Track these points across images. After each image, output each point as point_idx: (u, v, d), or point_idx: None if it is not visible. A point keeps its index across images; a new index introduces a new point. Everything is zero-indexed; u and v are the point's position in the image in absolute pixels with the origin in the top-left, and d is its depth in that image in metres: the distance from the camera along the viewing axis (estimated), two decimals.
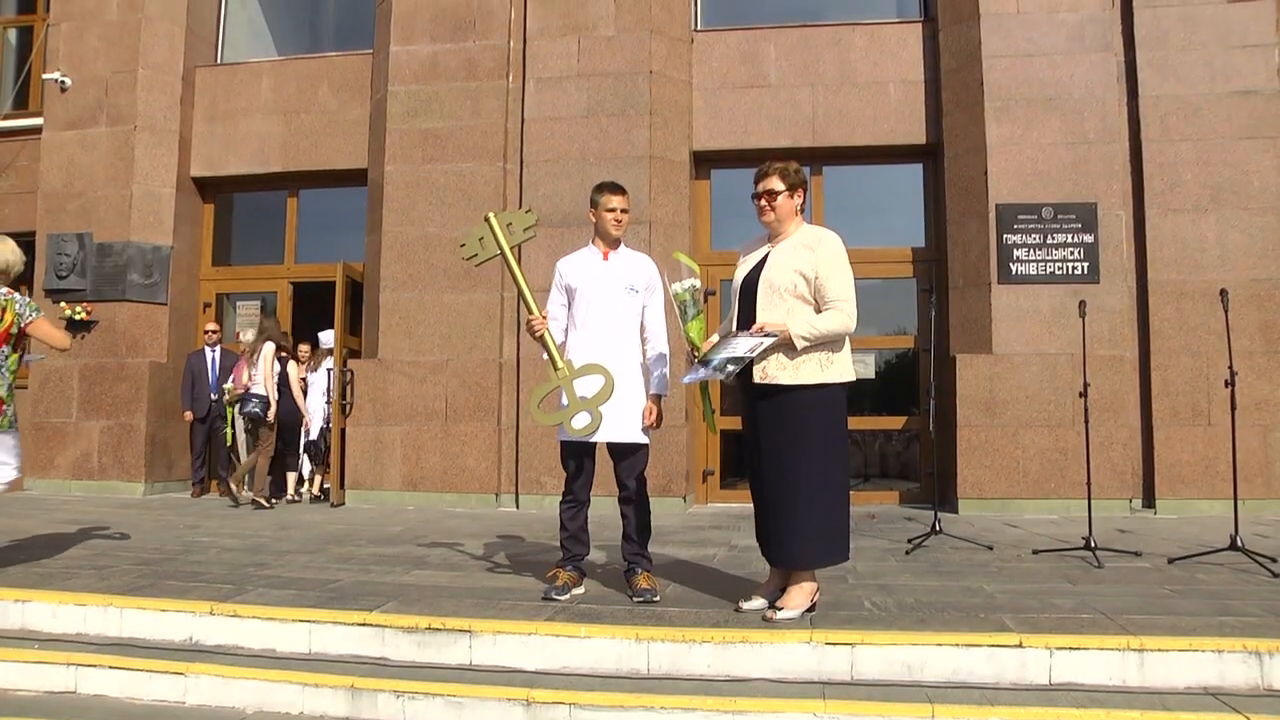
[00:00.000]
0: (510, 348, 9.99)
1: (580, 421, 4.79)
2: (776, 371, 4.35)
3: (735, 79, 10.43)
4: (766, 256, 4.52)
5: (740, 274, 4.62)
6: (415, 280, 10.21)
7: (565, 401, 4.87)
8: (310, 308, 11.97)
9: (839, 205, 10.39)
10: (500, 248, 5.00)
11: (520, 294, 4.96)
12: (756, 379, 4.37)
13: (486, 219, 5.00)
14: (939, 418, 9.06)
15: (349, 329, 10.45)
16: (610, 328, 5.02)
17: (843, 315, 4.29)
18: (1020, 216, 9.29)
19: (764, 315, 4.39)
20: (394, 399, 10.03)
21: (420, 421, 9.96)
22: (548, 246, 9.35)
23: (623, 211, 5.09)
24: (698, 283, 4.69)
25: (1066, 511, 8.80)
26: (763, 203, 4.53)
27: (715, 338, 4.57)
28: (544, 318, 4.89)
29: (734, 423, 9.48)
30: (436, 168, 10.30)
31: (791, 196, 4.52)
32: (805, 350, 4.32)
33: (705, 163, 10.61)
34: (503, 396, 9.92)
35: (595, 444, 4.94)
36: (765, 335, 4.30)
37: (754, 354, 4.25)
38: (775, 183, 4.51)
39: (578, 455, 4.98)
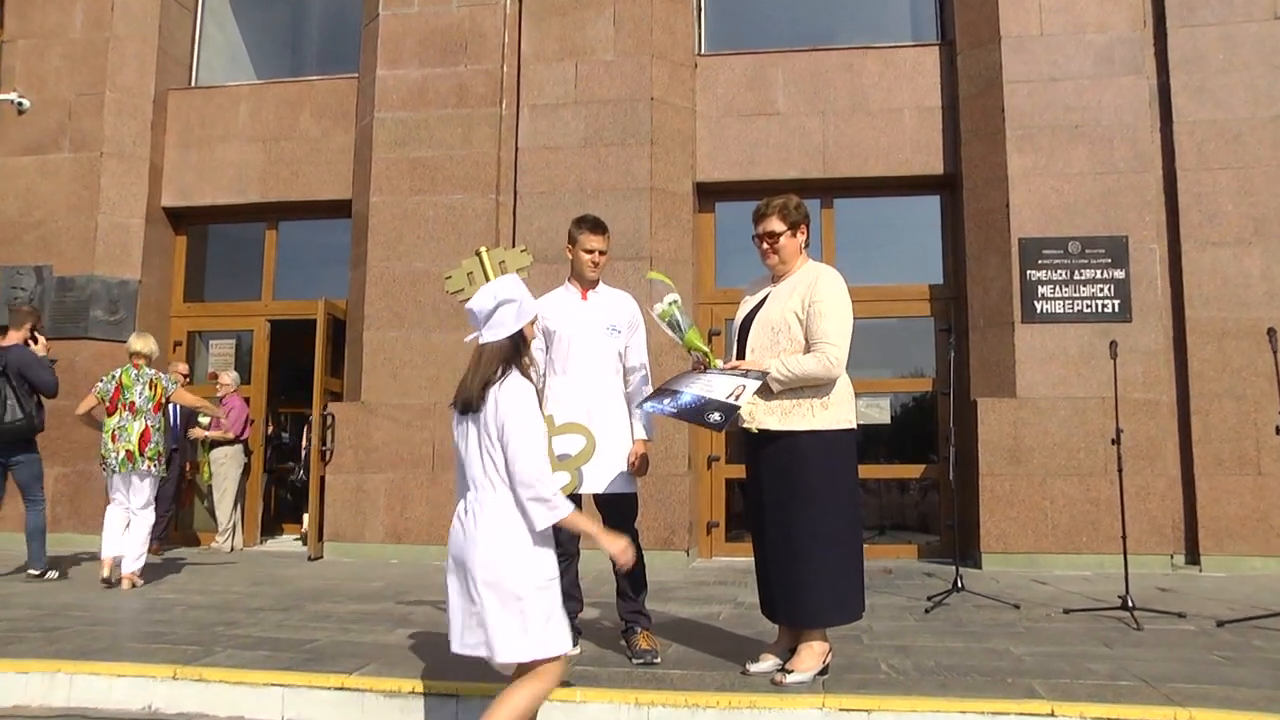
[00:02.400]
0: None
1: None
2: (765, 417, 4.36)
3: (741, 106, 10.48)
4: (767, 296, 4.55)
5: (741, 314, 4.65)
6: (402, 318, 10.21)
7: None
8: (289, 346, 11.90)
9: (851, 240, 10.39)
10: None
11: None
12: (744, 423, 4.37)
13: (478, 253, 4.98)
14: (960, 466, 9.02)
15: (330, 370, 10.42)
16: (592, 371, 5.03)
17: (824, 359, 4.27)
18: (1045, 251, 9.29)
19: (754, 356, 4.42)
20: (378, 445, 9.99)
21: (406, 469, 9.92)
22: (541, 285, 8.35)
23: (601, 254, 5.10)
24: (676, 296, 4.62)
25: (1100, 568, 8.72)
26: (764, 245, 4.56)
27: (689, 371, 4.52)
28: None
29: (738, 470, 9.80)
30: (425, 199, 10.36)
31: (794, 235, 4.54)
32: (790, 395, 4.32)
33: (709, 195, 10.65)
34: None
35: (581, 495, 4.90)
36: (744, 375, 4.28)
37: (737, 400, 4.18)
38: (775, 223, 4.53)
39: None
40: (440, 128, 10.44)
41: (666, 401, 4.32)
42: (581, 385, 4.99)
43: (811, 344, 4.33)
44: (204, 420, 10.65)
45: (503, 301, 3.47)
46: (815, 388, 4.35)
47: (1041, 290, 9.25)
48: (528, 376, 3.48)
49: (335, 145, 11.25)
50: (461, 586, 3.35)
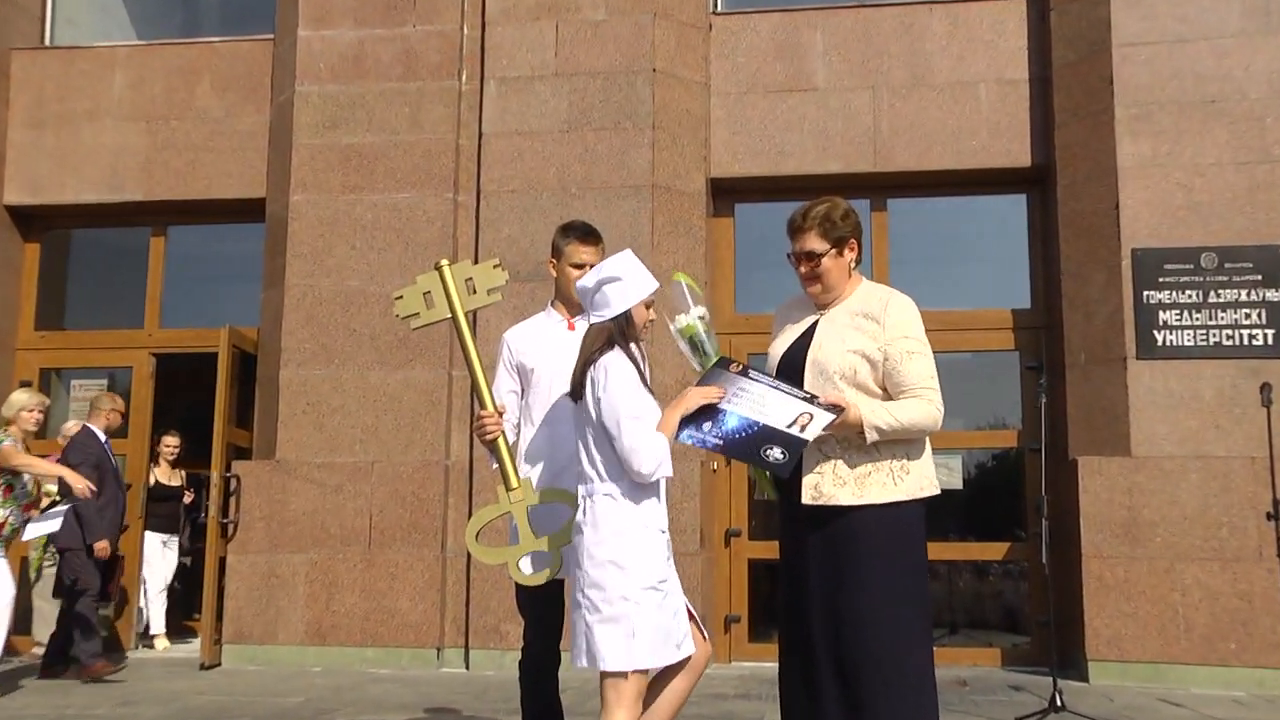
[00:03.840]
0: (461, 445, 9.82)
1: (532, 566, 4.76)
2: (834, 489, 4.29)
3: (768, 79, 10.34)
4: (814, 327, 4.50)
5: (779, 348, 4.59)
6: (330, 352, 10.01)
7: (517, 535, 4.80)
8: (180, 389, 11.65)
9: (909, 252, 10.36)
10: (453, 311, 4.95)
11: (473, 378, 4.87)
12: (806, 499, 4.31)
13: (438, 268, 4.99)
14: (1056, 545, 8.63)
15: (235, 419, 10.33)
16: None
17: (928, 405, 4.27)
18: (1168, 266, 9.10)
19: None
20: (296, 516, 9.80)
21: (333, 547, 9.74)
22: (512, 309, 9.05)
23: (593, 268, 5.01)
24: (705, 310, 4.58)
25: (1259, 686, 8.50)
26: (802, 268, 4.51)
27: (717, 363, 4.50)
28: (500, 415, 4.85)
29: (765, 549, 9.77)
30: (362, 199, 10.19)
31: (840, 254, 4.47)
32: (866, 455, 4.29)
33: (726, 194, 10.55)
34: (449, 512, 9.71)
35: (562, 580, 4.85)
36: (808, 399, 4.25)
37: (802, 432, 4.15)
38: (813, 241, 4.46)
39: (537, 598, 4.89)
40: (381, 106, 10.30)
41: (708, 427, 4.29)
42: (564, 439, 4.82)
43: (901, 391, 4.28)
44: (50, 488, 10.07)
45: (606, 280, 4.12)
46: (902, 446, 4.30)
47: (1164, 316, 9.07)
48: (632, 357, 4.13)
49: (243, 127, 11.06)
50: (573, 590, 4.12)
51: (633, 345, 4.13)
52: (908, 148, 10.09)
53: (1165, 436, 8.94)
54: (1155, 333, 9.06)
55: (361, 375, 9.96)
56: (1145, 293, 9.09)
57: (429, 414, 9.82)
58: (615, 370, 4.05)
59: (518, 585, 4.88)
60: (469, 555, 9.40)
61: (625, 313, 4.09)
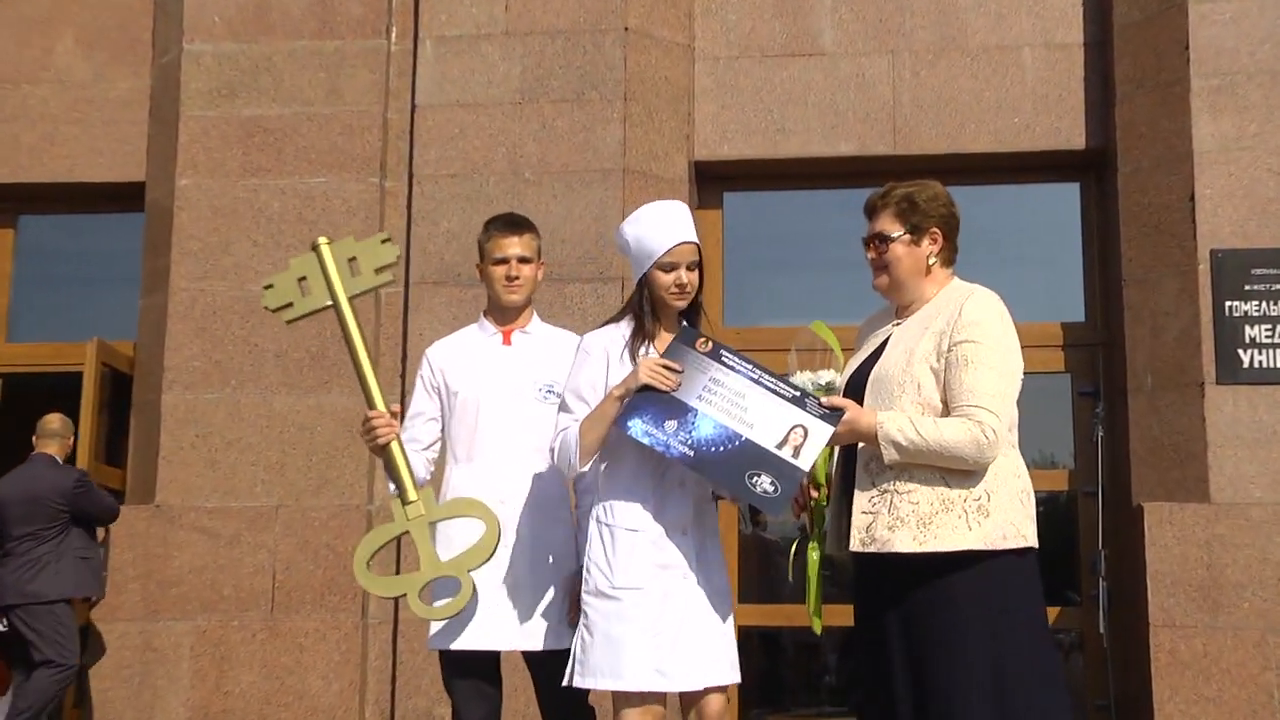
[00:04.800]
0: (387, 483, 9.37)
1: (439, 596, 4.90)
2: (888, 532, 4.30)
3: (765, 41, 10.10)
4: (888, 340, 4.59)
5: (850, 368, 4.71)
6: (226, 371, 9.66)
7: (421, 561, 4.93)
8: (34, 417, 11.00)
9: None
10: (333, 297, 5.05)
11: (359, 375, 5.02)
12: (854, 543, 4.36)
13: (315, 248, 5.10)
14: (1116, 611, 8.85)
15: (103, 454, 10.19)
16: (512, 457, 5.14)
17: (975, 429, 4.22)
18: (1256, 271, 8.86)
19: None
20: (181, 574, 9.39)
21: (226, 613, 9.37)
22: (450, 317, 9.14)
23: (522, 262, 5.21)
24: (836, 377, 4.61)
25: None
26: (870, 254, 4.65)
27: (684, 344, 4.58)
28: (393, 416, 4.97)
29: (760, 615, 9.68)
30: (267, 184, 9.88)
31: (917, 243, 4.58)
32: (940, 485, 4.29)
33: (714, 181, 10.36)
34: (373, 568, 9.26)
35: (498, 652, 5.05)
36: (811, 406, 4.33)
37: (796, 456, 4.27)
38: (886, 222, 4.60)
39: (468, 671, 5.01)
40: (292, 70, 10.00)
41: (672, 428, 4.32)
42: (497, 476, 5.07)
43: (954, 406, 4.30)
44: None
45: (623, 243, 4.56)
46: (977, 478, 4.28)
47: (1250, 332, 8.84)
48: (644, 333, 4.44)
49: (116, 95, 10.69)
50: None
51: (647, 320, 4.36)
52: (934, 126, 9.87)
53: (1253, 479, 8.70)
54: (1239, 351, 8.85)
55: (265, 400, 9.66)
56: (1227, 303, 8.86)
57: (348, 448, 9.44)
58: (580, 349, 4.52)
59: (444, 658, 5.02)
60: (397, 619, 9.29)
61: (643, 278, 4.35)
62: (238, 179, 9.88)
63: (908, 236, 4.55)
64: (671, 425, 4.29)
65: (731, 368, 4.38)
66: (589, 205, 9.44)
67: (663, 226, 4.54)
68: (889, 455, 4.24)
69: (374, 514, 9.49)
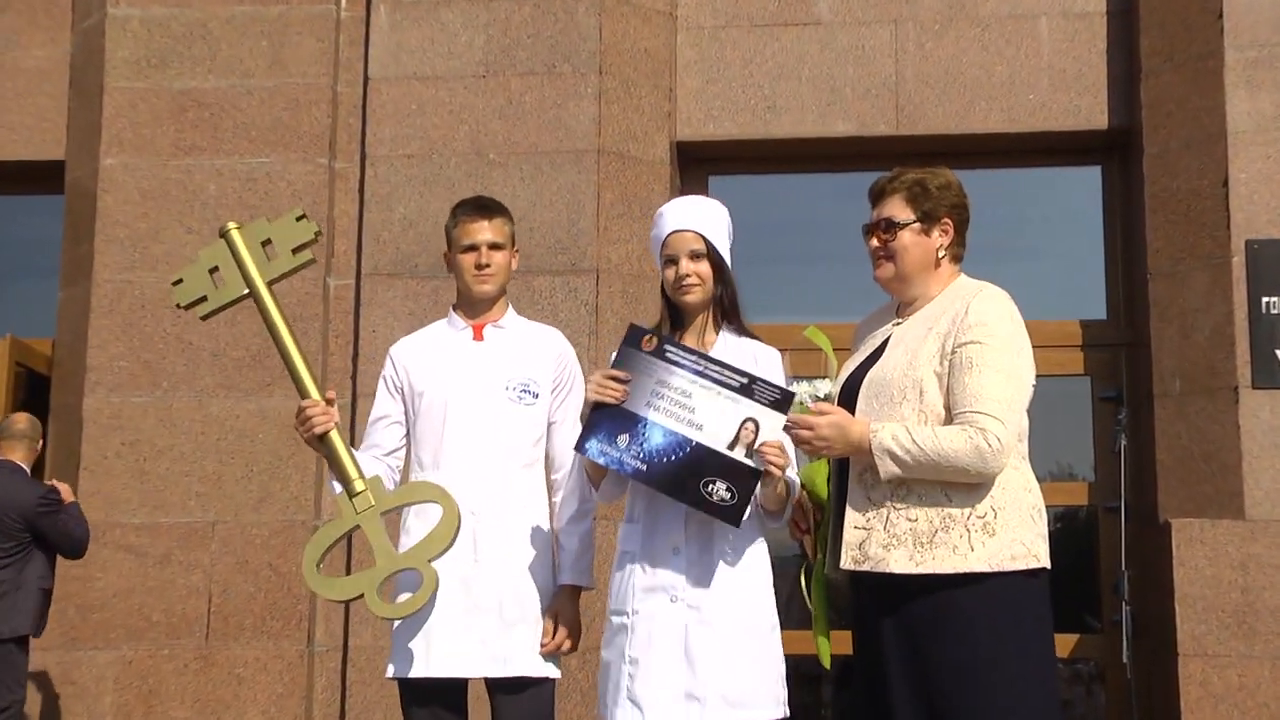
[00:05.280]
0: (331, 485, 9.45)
1: (398, 594, 4.94)
2: (882, 550, 4.32)
3: (755, 9, 10.08)
4: (888, 341, 4.63)
5: (845, 372, 4.75)
6: (156, 372, 9.57)
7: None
8: None
9: None
10: (249, 284, 5.05)
11: (286, 362, 5.02)
12: (846, 561, 4.39)
13: (223, 234, 5.12)
14: (1142, 638, 8.74)
15: None
16: (483, 463, 5.12)
17: (977, 437, 4.22)
18: None
19: None
20: (104, 598, 9.31)
21: (156, 640, 9.27)
22: (406, 312, 9.25)
23: (493, 249, 5.23)
24: (831, 386, 4.56)
25: None
26: (873, 241, 4.67)
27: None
28: (328, 404, 4.93)
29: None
30: (202, 164, 9.79)
31: (927, 232, 4.61)
32: (925, 502, 4.31)
33: (698, 164, 10.38)
34: (322, 571, 9.27)
35: (464, 681, 5.07)
36: (760, 392, 4.40)
37: (748, 456, 4.33)
38: (895, 207, 4.63)
39: (430, 700, 5.02)
40: (230, 38, 9.89)
41: (623, 442, 4.37)
42: (464, 488, 4.99)
43: (956, 413, 4.29)
44: None
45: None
46: (983, 492, 4.29)
47: None
48: (657, 334, 4.46)
49: (31, 64, 10.65)
50: None
51: (664, 323, 4.63)
52: (941, 103, 9.86)
53: None
54: (1278, 352, 8.85)
55: (200, 404, 9.54)
56: (1264, 299, 8.83)
57: (293, 457, 9.38)
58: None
59: (403, 687, 5.03)
60: (347, 646, 9.25)
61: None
62: (169, 158, 9.80)
63: (918, 224, 4.56)
64: (624, 439, 4.36)
65: (676, 363, 4.42)
66: (560, 190, 9.39)
67: (664, 217, 4.71)
68: (885, 469, 4.22)
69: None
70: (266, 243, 5.11)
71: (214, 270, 5.12)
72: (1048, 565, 4.37)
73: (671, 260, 4.63)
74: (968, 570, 4.22)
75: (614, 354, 4.86)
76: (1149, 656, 8.84)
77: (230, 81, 9.84)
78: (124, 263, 9.65)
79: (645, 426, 4.37)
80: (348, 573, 8.85)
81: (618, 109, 9.63)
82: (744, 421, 4.33)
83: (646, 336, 4.51)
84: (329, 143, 9.76)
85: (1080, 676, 10.07)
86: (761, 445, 4.31)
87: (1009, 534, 4.28)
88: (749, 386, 4.35)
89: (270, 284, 5.07)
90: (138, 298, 9.61)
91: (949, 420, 4.35)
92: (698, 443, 4.32)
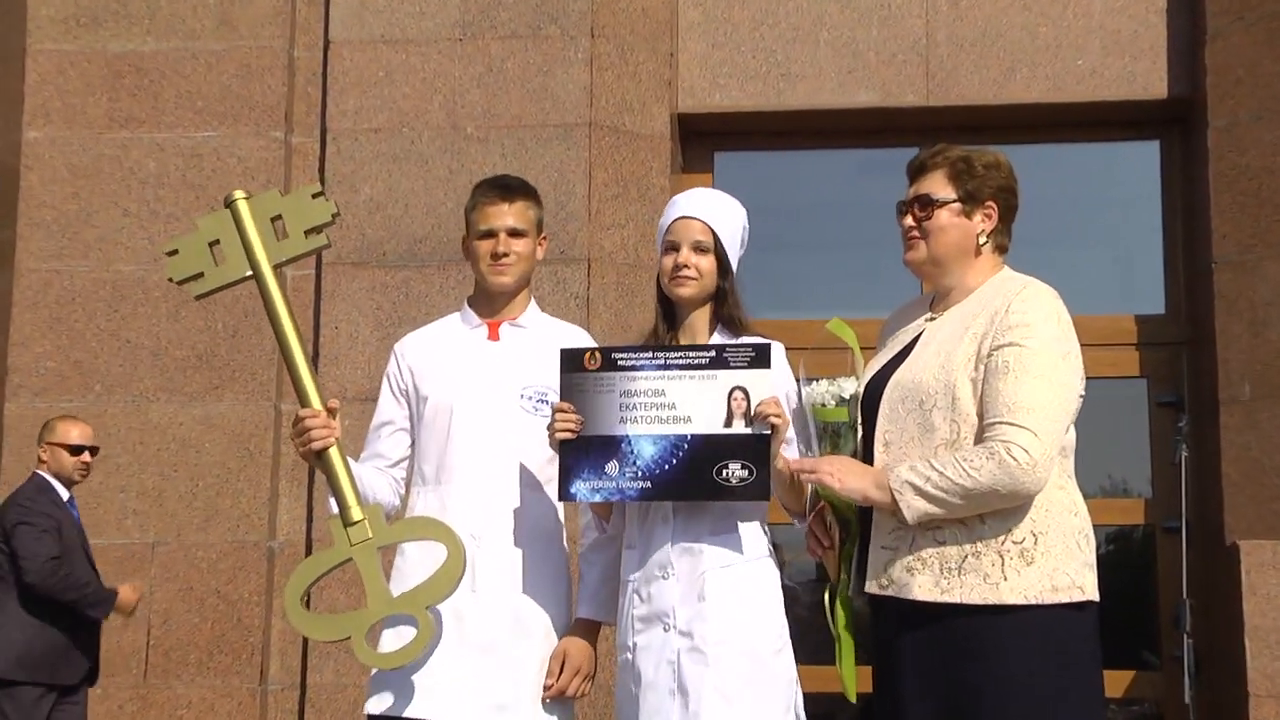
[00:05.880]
0: (294, 516, 9.63)
1: (390, 640, 4.86)
2: (906, 575, 4.35)
3: None
4: (919, 337, 4.64)
5: (870, 372, 4.77)
6: (89, 373, 9.61)
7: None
8: None
9: None
10: (253, 265, 4.98)
11: (289, 365, 4.96)
12: (871, 585, 4.45)
13: (229, 204, 5.03)
14: (1207, 675, 8.60)
15: None
16: (491, 480, 5.09)
17: (999, 450, 4.18)
18: None
19: (885, 454, 4.49)
20: None
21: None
22: (373, 306, 9.38)
23: (513, 235, 5.19)
24: (857, 386, 4.55)
25: None
26: (908, 220, 4.67)
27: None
28: (330, 414, 4.88)
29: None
30: (140, 138, 9.83)
31: (969, 214, 4.60)
32: (956, 532, 4.29)
33: (702, 137, 10.34)
34: (275, 620, 9.38)
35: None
36: (733, 357, 4.53)
37: (751, 425, 4.42)
38: (935, 183, 4.63)
39: None
40: None
41: (612, 469, 4.47)
42: (467, 508, 5.00)
43: (985, 423, 4.27)
44: None
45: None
46: (1003, 515, 4.27)
47: None
48: (655, 332, 4.72)
49: None
50: None
51: (660, 322, 4.71)
52: (977, 70, 9.77)
53: None
54: None
55: (139, 410, 9.55)
56: None
57: (244, 470, 9.45)
58: None
59: None
60: (304, 683, 9.26)
61: None
62: (103, 131, 9.80)
63: (958, 204, 4.50)
64: (613, 467, 4.42)
65: (632, 367, 4.51)
66: (546, 168, 9.28)
67: (675, 203, 4.81)
68: (910, 507, 4.17)
69: (276, 552, 9.47)
70: (276, 219, 5.02)
71: (214, 244, 5.01)
72: (1095, 598, 4.30)
73: (672, 247, 4.65)
74: (998, 602, 4.18)
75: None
76: (1215, 697, 8.76)
77: (172, 44, 9.82)
78: (51, 249, 9.65)
79: (630, 444, 4.41)
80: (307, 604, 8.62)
81: (611, 76, 9.55)
82: (730, 393, 4.40)
83: (587, 355, 4.62)
84: (284, 114, 9.75)
85: (1136, 716, 10.07)
86: (758, 408, 4.36)
87: (1050, 563, 4.23)
88: (719, 357, 4.44)
89: (277, 268, 5.00)
90: (66, 289, 9.58)
91: (982, 427, 4.30)
92: (693, 435, 4.38)
